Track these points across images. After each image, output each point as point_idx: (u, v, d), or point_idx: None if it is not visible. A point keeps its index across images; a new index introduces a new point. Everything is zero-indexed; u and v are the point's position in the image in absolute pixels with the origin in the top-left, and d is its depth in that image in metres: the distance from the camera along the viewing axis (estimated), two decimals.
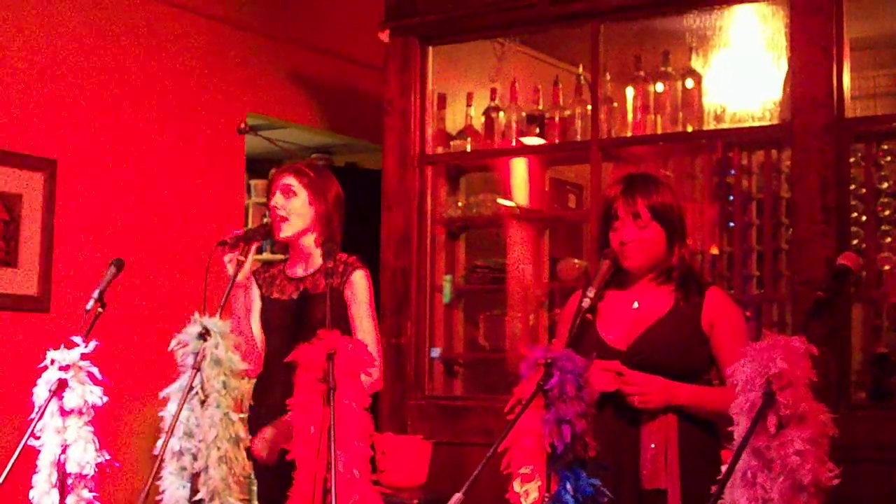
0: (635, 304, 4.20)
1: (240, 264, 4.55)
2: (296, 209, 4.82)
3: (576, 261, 6.57)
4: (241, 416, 4.21)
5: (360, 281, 4.75)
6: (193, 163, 7.11)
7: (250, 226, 8.08)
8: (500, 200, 6.82)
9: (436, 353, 6.72)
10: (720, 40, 6.24)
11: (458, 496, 3.39)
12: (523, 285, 6.67)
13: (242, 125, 7.30)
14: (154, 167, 6.89)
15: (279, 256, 5.10)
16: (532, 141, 6.65)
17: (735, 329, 4.08)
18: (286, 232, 4.81)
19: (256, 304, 4.91)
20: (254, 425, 4.47)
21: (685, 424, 4.05)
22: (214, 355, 4.13)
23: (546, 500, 3.67)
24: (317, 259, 4.82)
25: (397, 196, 6.70)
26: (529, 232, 6.78)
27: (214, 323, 4.17)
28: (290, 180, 4.84)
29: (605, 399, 4.02)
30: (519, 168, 6.79)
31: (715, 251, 6.10)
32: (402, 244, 6.63)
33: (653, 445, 4.04)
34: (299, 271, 4.88)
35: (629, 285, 4.24)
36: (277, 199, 4.83)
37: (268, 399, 4.70)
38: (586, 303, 3.94)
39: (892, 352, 5.62)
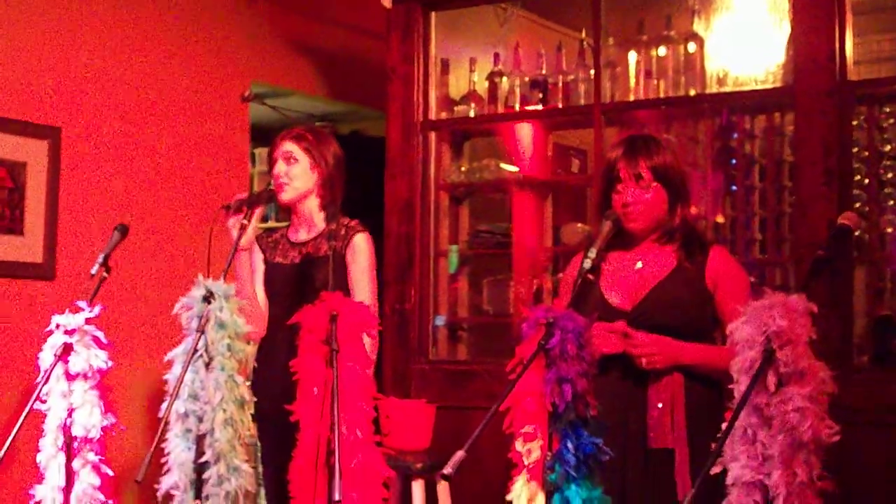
0: (639, 265, 4.23)
1: (243, 228, 4.57)
2: (297, 175, 4.85)
3: (579, 225, 6.58)
4: (247, 381, 4.26)
5: (361, 244, 4.78)
6: (198, 131, 7.11)
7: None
8: (504, 165, 6.83)
9: (440, 321, 6.74)
10: (722, 4, 6.24)
11: (459, 454, 3.41)
12: (527, 250, 6.68)
13: (247, 93, 7.32)
14: (158, 135, 6.89)
15: (284, 224, 5.12)
16: (535, 107, 6.66)
17: (738, 287, 4.10)
18: (288, 195, 4.84)
19: (260, 269, 4.93)
20: (258, 387, 4.49)
21: (691, 384, 4.08)
22: (219, 318, 4.16)
23: (548, 458, 3.70)
24: (319, 223, 4.85)
25: (401, 162, 6.70)
26: (533, 197, 6.79)
27: (219, 286, 4.20)
28: (291, 146, 4.87)
29: (610, 360, 4.05)
30: (522, 133, 6.79)
31: (720, 219, 6.09)
32: (406, 210, 6.64)
33: (659, 405, 4.06)
34: (302, 235, 4.90)
35: (633, 246, 4.27)
36: (279, 166, 4.86)
37: (271, 362, 4.73)
38: (587, 264, 3.95)
39: (895, 314, 5.62)
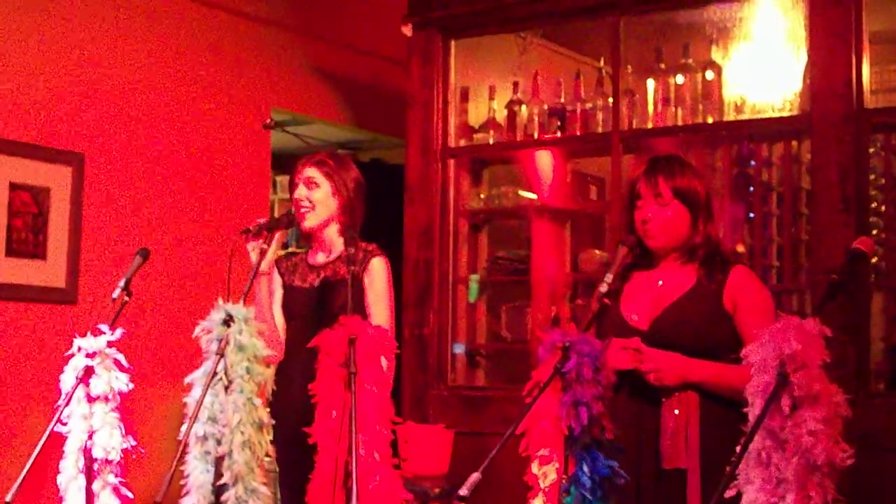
0: (660, 283, 4.24)
1: (263, 253, 4.61)
2: (319, 200, 4.88)
3: (597, 252, 6.61)
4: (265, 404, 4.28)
5: (378, 268, 4.80)
6: (219, 158, 7.18)
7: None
8: (522, 193, 6.87)
9: (459, 348, 6.77)
10: (740, 32, 6.27)
11: (475, 475, 3.44)
12: (545, 277, 6.71)
13: (268, 121, 7.38)
14: (180, 162, 6.96)
15: (304, 249, 5.16)
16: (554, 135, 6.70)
17: (758, 307, 4.08)
18: (310, 222, 4.87)
19: (278, 293, 4.96)
20: (276, 411, 4.51)
21: (708, 403, 4.06)
22: (238, 341, 4.19)
23: (563, 481, 3.73)
24: (339, 247, 4.87)
25: (420, 188, 6.75)
26: (551, 224, 6.82)
27: (238, 309, 4.24)
28: (313, 172, 4.90)
29: (625, 379, 4.06)
30: (541, 161, 6.83)
31: (741, 249, 6.10)
32: (425, 236, 6.68)
33: (672, 424, 4.06)
34: (320, 259, 4.93)
35: (655, 265, 4.29)
36: (301, 191, 4.89)
37: (289, 385, 4.75)
38: (603, 288, 3.96)
39: None
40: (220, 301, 4.32)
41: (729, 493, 3.31)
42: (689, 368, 4.05)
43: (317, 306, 4.83)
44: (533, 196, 6.86)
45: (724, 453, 3.53)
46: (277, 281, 4.96)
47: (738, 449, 3.27)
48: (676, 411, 4.06)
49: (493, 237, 7.03)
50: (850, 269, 3.62)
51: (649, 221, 4.20)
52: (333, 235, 4.91)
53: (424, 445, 5.94)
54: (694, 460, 4.02)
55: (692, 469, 4.02)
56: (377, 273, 4.80)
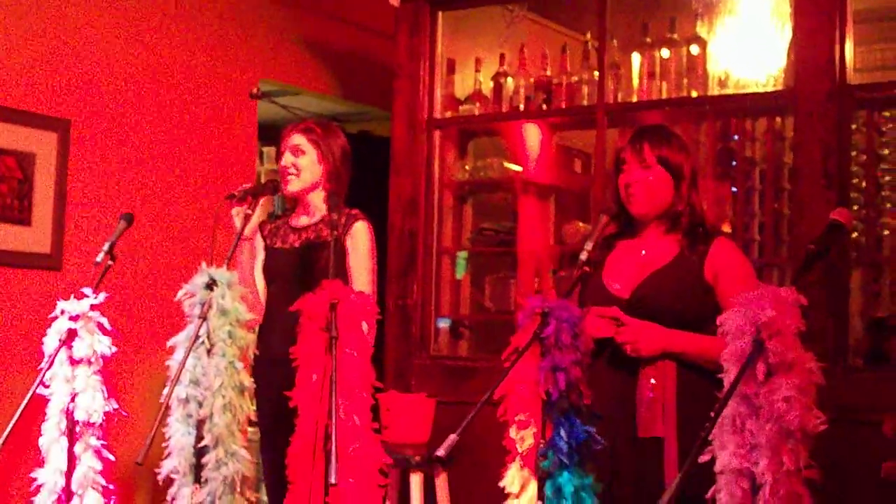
0: (643, 252, 4.26)
1: (247, 218, 4.63)
2: (305, 166, 4.92)
3: (581, 224, 6.64)
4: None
5: (361, 231, 4.83)
6: (206, 127, 7.17)
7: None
8: (508, 165, 6.90)
9: (444, 322, 6.81)
10: (725, 7, 6.30)
11: (452, 437, 3.47)
12: (529, 248, 6.75)
13: (255, 90, 7.38)
14: (166, 130, 6.96)
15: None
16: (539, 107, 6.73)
17: (739, 278, 4.08)
18: (294, 186, 4.91)
19: (260, 256, 5.00)
20: (255, 373, 4.54)
21: (686, 373, 4.08)
22: (221, 305, 4.23)
23: (541, 446, 3.76)
24: (322, 212, 4.91)
25: (406, 159, 6.77)
26: (536, 197, 6.86)
27: (221, 273, 4.27)
28: (300, 139, 4.93)
29: (604, 347, 4.08)
30: (527, 134, 6.85)
31: (727, 229, 6.13)
32: (410, 207, 6.71)
33: (650, 394, 4.09)
34: (303, 221, 4.96)
35: (639, 234, 4.32)
36: (287, 158, 4.93)
37: (268, 346, 4.76)
38: (583, 255, 3.99)
39: (891, 316, 5.66)
40: (204, 265, 4.35)
41: (703, 458, 3.34)
42: (666, 339, 4.07)
43: (298, 267, 4.87)
44: (518, 168, 6.89)
45: (701, 423, 3.52)
46: (259, 244, 4.99)
47: (712, 415, 3.30)
48: (653, 381, 4.08)
49: (478, 209, 7.06)
50: (827, 239, 3.64)
51: (632, 185, 4.23)
52: (318, 201, 4.95)
53: (406, 414, 5.97)
54: (671, 429, 4.05)
55: (669, 438, 4.04)
56: (360, 236, 4.83)
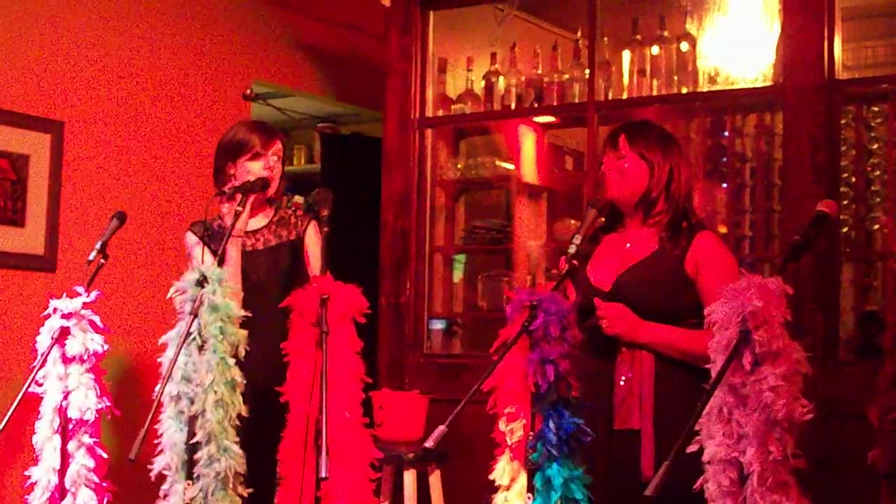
0: (627, 245, 4.30)
1: (237, 215, 4.65)
2: (279, 172, 4.98)
3: (572, 221, 6.65)
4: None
5: (314, 230, 4.99)
6: (199, 128, 7.18)
7: None
8: (500, 163, 6.92)
9: (439, 324, 6.84)
10: (715, 4, 6.31)
11: (441, 428, 3.50)
12: (521, 246, 6.78)
13: (248, 91, 7.40)
14: (159, 131, 6.97)
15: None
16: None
17: (720, 272, 4.09)
18: (273, 189, 4.98)
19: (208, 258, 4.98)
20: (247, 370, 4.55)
21: (663, 366, 4.11)
22: (212, 301, 4.24)
23: (530, 438, 3.78)
24: (268, 212, 5.05)
25: (398, 158, 6.78)
26: (528, 194, 6.89)
27: (212, 270, 4.28)
28: (280, 147, 5.00)
29: (587, 341, 4.10)
30: (518, 132, 6.88)
31: (723, 230, 6.14)
32: (402, 206, 6.72)
33: (622, 383, 4.11)
34: (259, 222, 5.01)
35: (624, 228, 4.35)
36: (276, 162, 4.97)
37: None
38: (572, 249, 4.01)
39: (881, 310, 5.68)
40: (195, 262, 4.38)
41: (690, 449, 3.36)
42: (641, 328, 4.11)
43: (266, 269, 4.92)
44: (510, 166, 6.91)
45: (678, 416, 3.58)
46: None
47: (698, 405, 3.32)
48: (624, 379, 4.12)
49: (471, 207, 7.08)
50: (814, 231, 3.66)
51: (607, 172, 4.28)
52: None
53: (400, 411, 5.98)
54: (647, 422, 4.07)
55: (645, 430, 4.07)
56: (315, 235, 4.95)
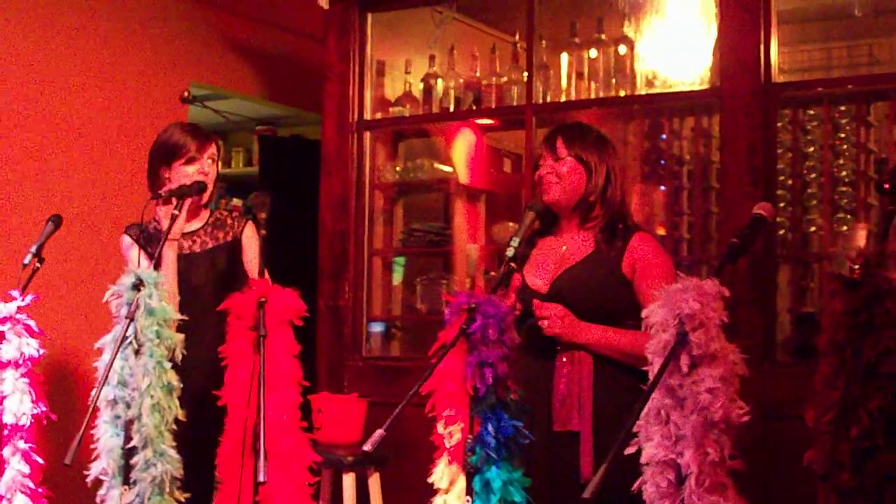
0: (563, 248, 4.31)
1: (174, 218, 4.62)
2: (214, 175, 4.96)
3: (510, 224, 6.66)
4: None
5: (252, 231, 4.95)
6: (136, 129, 7.12)
7: None
8: (438, 166, 6.92)
9: (378, 326, 6.83)
10: (652, 7, 6.34)
11: (379, 432, 3.50)
12: (460, 249, 6.79)
13: (186, 94, 7.36)
14: (96, 133, 6.91)
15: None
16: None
17: (658, 273, 4.13)
18: (208, 192, 4.96)
19: (144, 262, 4.95)
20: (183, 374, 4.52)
21: (602, 367, 4.12)
22: (148, 305, 4.22)
23: (469, 441, 3.78)
24: (205, 215, 5.01)
25: (336, 160, 6.77)
26: (466, 197, 6.90)
27: (148, 274, 4.27)
28: (214, 150, 4.97)
29: (522, 344, 4.09)
30: (456, 135, 6.88)
31: (661, 232, 6.17)
32: (341, 208, 6.71)
33: (564, 387, 4.11)
34: (194, 225, 4.98)
35: (559, 231, 4.36)
36: (211, 165, 4.94)
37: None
38: (510, 252, 4.02)
39: (818, 311, 5.72)
40: (131, 266, 4.35)
41: (629, 451, 3.37)
42: (579, 328, 4.12)
43: (203, 272, 4.90)
44: (448, 169, 6.92)
45: (617, 418, 3.60)
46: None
47: (636, 407, 3.33)
48: (564, 383, 4.12)
49: (409, 210, 7.08)
50: (750, 233, 3.68)
51: (544, 175, 4.29)
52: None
53: (338, 414, 5.96)
54: (587, 424, 4.08)
55: (584, 432, 4.08)
56: (252, 236, 4.91)
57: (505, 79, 6.65)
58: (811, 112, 5.88)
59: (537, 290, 4.23)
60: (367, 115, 6.85)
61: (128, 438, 4.19)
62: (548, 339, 4.13)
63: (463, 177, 6.92)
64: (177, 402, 4.23)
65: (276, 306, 4.17)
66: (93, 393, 4.11)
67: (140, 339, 4.20)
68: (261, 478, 3.76)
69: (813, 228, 5.81)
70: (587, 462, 4.04)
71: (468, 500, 3.77)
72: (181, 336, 4.30)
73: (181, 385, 4.25)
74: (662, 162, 6.26)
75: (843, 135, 5.81)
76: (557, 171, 4.27)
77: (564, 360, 4.15)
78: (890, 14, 6.30)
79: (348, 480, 5.93)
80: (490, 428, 3.76)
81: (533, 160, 4.46)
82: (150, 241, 4.87)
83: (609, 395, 4.08)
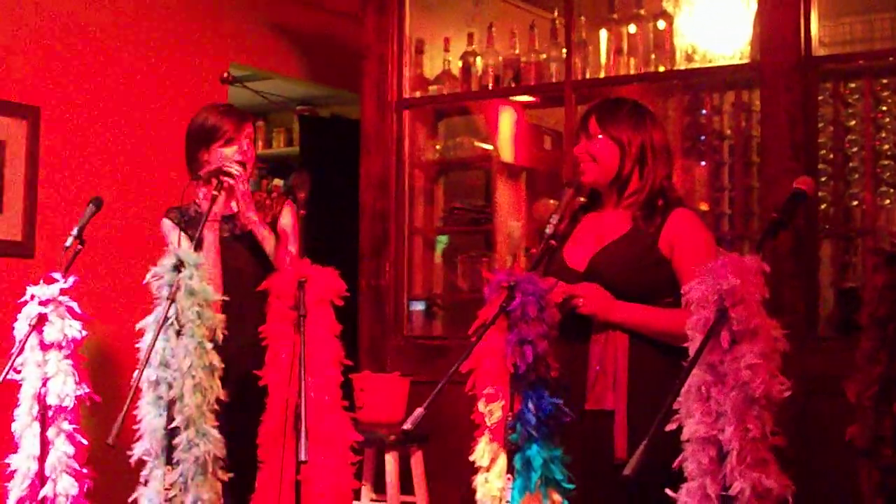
0: (603, 226, 4.27)
1: (214, 199, 4.63)
2: (252, 155, 4.96)
3: (551, 201, 6.65)
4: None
5: (289, 210, 4.95)
6: (176, 111, 7.14)
7: None
8: (478, 144, 6.92)
9: (418, 306, 6.84)
10: None
11: (419, 410, 3.49)
12: (501, 227, 6.78)
13: (226, 75, 7.37)
14: (137, 116, 6.94)
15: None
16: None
17: (696, 249, 4.05)
18: (248, 171, 4.95)
19: (185, 243, 4.94)
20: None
21: (637, 346, 4.06)
22: (189, 286, 4.22)
23: (509, 419, 3.77)
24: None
25: (376, 140, 6.78)
26: (507, 174, 6.89)
27: (188, 255, 4.27)
28: (251, 128, 4.98)
29: (560, 322, 4.05)
30: (496, 112, 6.88)
31: (704, 207, 6.15)
32: (381, 187, 6.72)
33: (598, 366, 4.09)
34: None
35: (601, 208, 4.33)
36: (249, 146, 4.94)
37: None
38: (549, 229, 4.00)
39: (861, 286, 5.68)
40: (172, 246, 4.36)
41: (669, 427, 3.36)
42: (614, 307, 4.06)
43: (244, 254, 4.89)
44: (489, 147, 6.91)
45: (652, 396, 3.58)
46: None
47: (676, 383, 3.31)
48: (599, 362, 4.10)
49: (450, 188, 7.08)
50: (791, 207, 3.65)
51: (578, 155, 4.26)
52: None
53: (380, 393, 5.99)
54: (621, 402, 4.02)
55: (619, 411, 4.01)
56: (289, 215, 4.92)
57: (544, 56, 6.63)
58: (852, 85, 5.84)
59: (574, 268, 4.19)
60: (406, 94, 6.85)
61: (170, 419, 4.21)
62: (583, 317, 4.10)
63: (504, 154, 6.92)
64: (218, 383, 4.24)
65: (315, 286, 4.17)
66: (135, 374, 4.12)
67: (181, 319, 4.21)
68: (302, 457, 3.76)
69: (855, 203, 5.77)
70: (621, 441, 3.97)
71: (509, 478, 3.76)
72: (222, 317, 4.31)
73: (223, 366, 4.26)
74: (703, 137, 6.23)
75: (884, 108, 5.77)
76: (591, 150, 4.23)
77: (599, 338, 4.11)
78: None
79: (390, 459, 5.95)
80: (530, 405, 3.74)
81: (573, 137, 4.43)
82: (191, 224, 4.87)
83: (644, 374, 4.02)
